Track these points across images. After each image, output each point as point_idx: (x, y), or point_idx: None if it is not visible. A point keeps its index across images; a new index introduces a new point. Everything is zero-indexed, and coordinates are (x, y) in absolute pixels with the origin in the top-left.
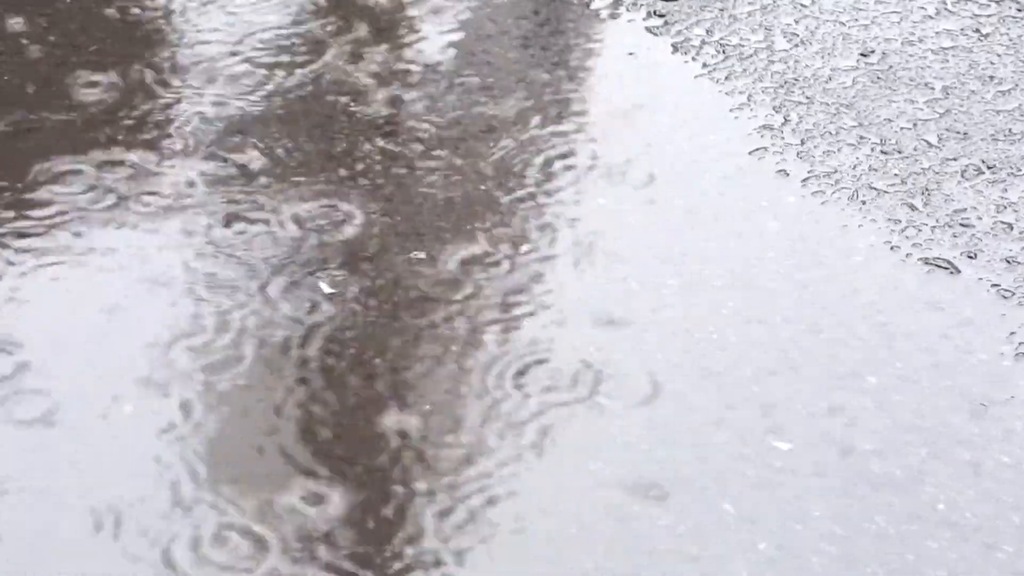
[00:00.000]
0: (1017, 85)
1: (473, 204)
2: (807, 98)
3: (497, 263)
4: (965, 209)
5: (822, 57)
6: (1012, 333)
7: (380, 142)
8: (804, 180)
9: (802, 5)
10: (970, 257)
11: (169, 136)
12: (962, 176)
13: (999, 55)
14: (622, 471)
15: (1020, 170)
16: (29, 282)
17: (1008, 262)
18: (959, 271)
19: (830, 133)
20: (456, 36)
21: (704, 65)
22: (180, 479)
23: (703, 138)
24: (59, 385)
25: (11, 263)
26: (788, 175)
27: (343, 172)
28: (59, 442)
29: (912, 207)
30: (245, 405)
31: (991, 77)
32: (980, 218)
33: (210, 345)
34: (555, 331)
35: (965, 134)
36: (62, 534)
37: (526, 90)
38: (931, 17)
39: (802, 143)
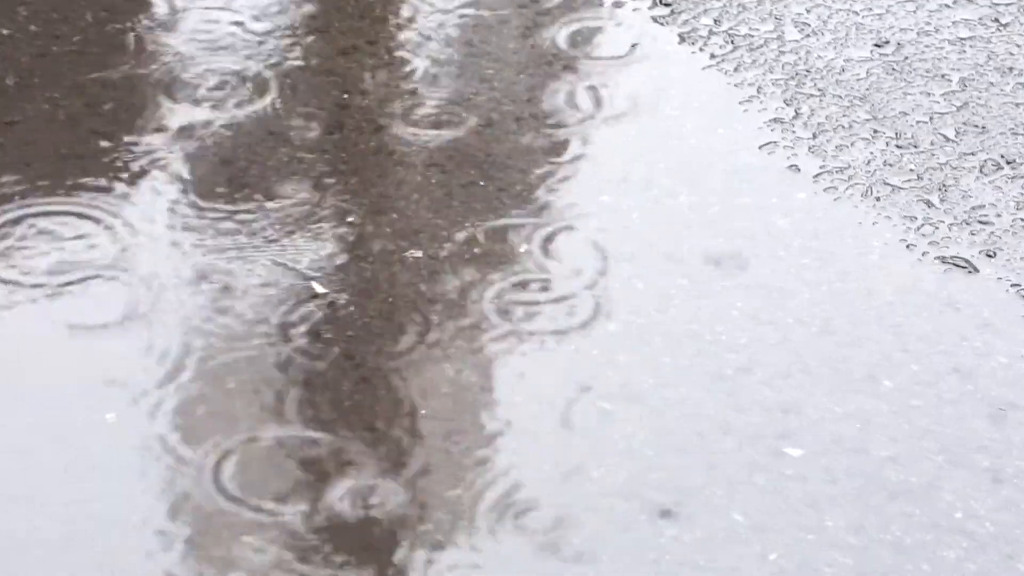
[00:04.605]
0: None
1: (471, 201)
2: (819, 90)
3: (496, 263)
4: (983, 206)
5: (835, 48)
6: None
7: (375, 136)
8: (816, 176)
9: None
10: (989, 256)
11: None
12: (980, 171)
13: (1019, 45)
14: (627, 478)
15: None
16: None
17: None
18: (977, 270)
19: (843, 127)
20: (454, 26)
21: (712, 56)
22: (172, 481)
23: (711, 132)
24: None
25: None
26: (799, 171)
27: (337, 168)
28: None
29: (928, 204)
30: (234, 405)
31: (1010, 68)
32: (999, 215)
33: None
34: (558, 332)
35: (983, 128)
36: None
37: (527, 82)
38: (948, 6)
39: (814, 137)
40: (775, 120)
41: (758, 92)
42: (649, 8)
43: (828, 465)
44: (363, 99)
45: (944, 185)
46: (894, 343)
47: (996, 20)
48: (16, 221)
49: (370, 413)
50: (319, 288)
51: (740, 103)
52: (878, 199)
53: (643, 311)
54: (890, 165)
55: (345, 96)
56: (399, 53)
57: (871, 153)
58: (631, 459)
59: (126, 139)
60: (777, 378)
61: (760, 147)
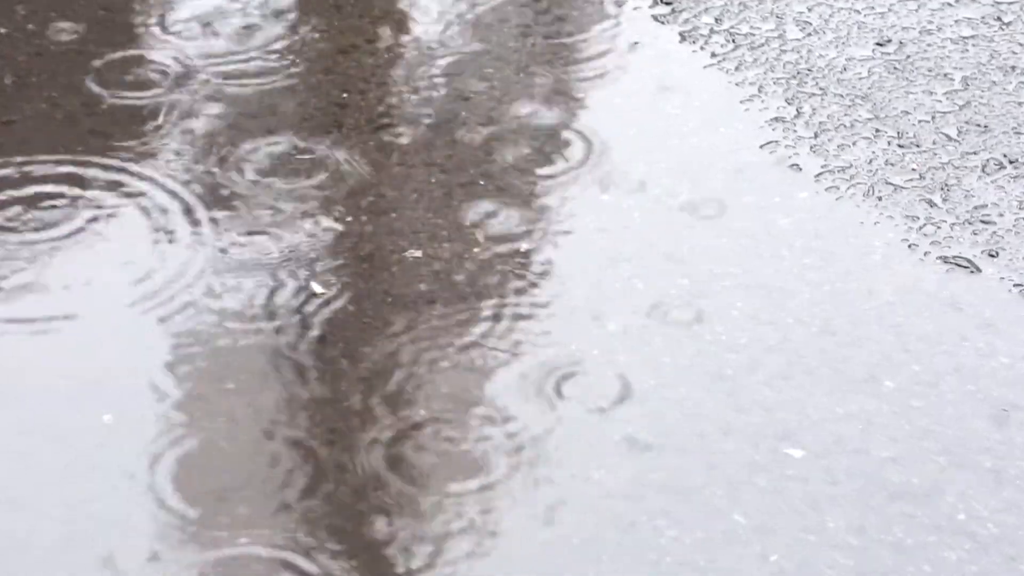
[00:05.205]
0: None
1: (471, 201)
2: (821, 89)
3: (496, 262)
4: (986, 205)
5: (836, 46)
6: None
7: (374, 135)
8: (817, 175)
9: None
10: (991, 256)
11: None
12: (983, 171)
13: (1021, 44)
14: (627, 479)
15: None
16: None
17: None
18: (980, 270)
19: (845, 126)
20: (454, 25)
21: (713, 55)
22: (169, 483)
23: (712, 131)
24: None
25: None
26: (801, 170)
27: (337, 168)
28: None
29: (931, 203)
30: (234, 409)
31: (1013, 67)
32: (1002, 215)
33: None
34: (558, 333)
35: (986, 127)
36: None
37: (527, 81)
38: (950, 5)
39: (815, 136)
40: (776, 119)
41: (759, 91)
42: (650, 7)
43: (829, 466)
44: (362, 98)
45: (946, 185)
46: (895, 343)
47: (998, 19)
48: (14, 220)
49: (369, 413)
50: (318, 288)
51: (741, 102)
52: (880, 199)
53: (644, 311)
54: (892, 164)
55: (345, 95)
56: (398, 52)
57: (873, 152)
58: (631, 459)
59: (124, 139)
60: (778, 379)
61: (761, 146)
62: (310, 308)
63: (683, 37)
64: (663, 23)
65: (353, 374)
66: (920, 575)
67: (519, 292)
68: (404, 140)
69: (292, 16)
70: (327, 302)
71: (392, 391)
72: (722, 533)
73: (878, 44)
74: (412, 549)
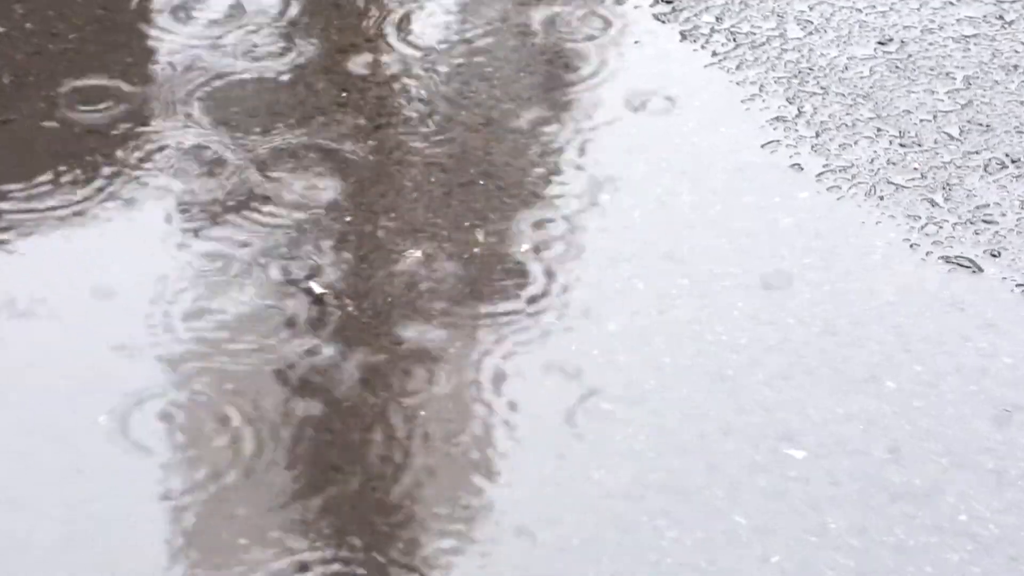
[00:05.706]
0: None
1: (471, 200)
2: (822, 88)
3: (496, 262)
4: (988, 205)
5: (838, 45)
6: None
7: (374, 135)
8: (819, 175)
9: None
10: (993, 255)
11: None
12: (985, 170)
13: None
14: (628, 479)
15: None
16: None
17: None
18: (982, 270)
19: (846, 125)
20: (454, 24)
21: (714, 54)
22: (167, 484)
23: (713, 131)
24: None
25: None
26: (802, 169)
27: (336, 168)
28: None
29: (932, 203)
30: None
31: (1015, 66)
32: (1004, 214)
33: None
34: (558, 333)
35: (988, 126)
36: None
37: (526, 80)
38: (952, 3)
39: (817, 136)
40: (777, 118)
41: (760, 90)
42: (650, 6)
43: (830, 466)
44: (362, 98)
45: (948, 184)
46: (896, 343)
47: (1000, 18)
48: (13, 222)
49: (369, 414)
50: (317, 288)
51: (742, 101)
52: (881, 198)
53: (643, 311)
54: (893, 164)
55: (344, 95)
56: (398, 51)
57: (874, 152)
58: (632, 460)
59: (122, 140)
60: (779, 379)
61: (762, 146)
62: (309, 308)
63: (684, 36)
64: (664, 22)
65: (353, 374)
66: None
67: (519, 292)
68: (404, 140)
69: (292, 15)
70: (327, 302)
71: (392, 391)
72: (723, 534)
73: (880, 43)
74: (411, 551)
